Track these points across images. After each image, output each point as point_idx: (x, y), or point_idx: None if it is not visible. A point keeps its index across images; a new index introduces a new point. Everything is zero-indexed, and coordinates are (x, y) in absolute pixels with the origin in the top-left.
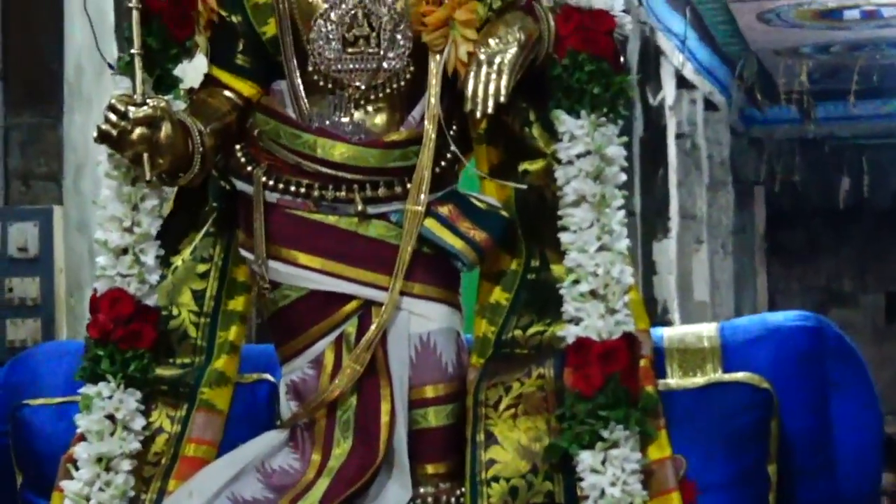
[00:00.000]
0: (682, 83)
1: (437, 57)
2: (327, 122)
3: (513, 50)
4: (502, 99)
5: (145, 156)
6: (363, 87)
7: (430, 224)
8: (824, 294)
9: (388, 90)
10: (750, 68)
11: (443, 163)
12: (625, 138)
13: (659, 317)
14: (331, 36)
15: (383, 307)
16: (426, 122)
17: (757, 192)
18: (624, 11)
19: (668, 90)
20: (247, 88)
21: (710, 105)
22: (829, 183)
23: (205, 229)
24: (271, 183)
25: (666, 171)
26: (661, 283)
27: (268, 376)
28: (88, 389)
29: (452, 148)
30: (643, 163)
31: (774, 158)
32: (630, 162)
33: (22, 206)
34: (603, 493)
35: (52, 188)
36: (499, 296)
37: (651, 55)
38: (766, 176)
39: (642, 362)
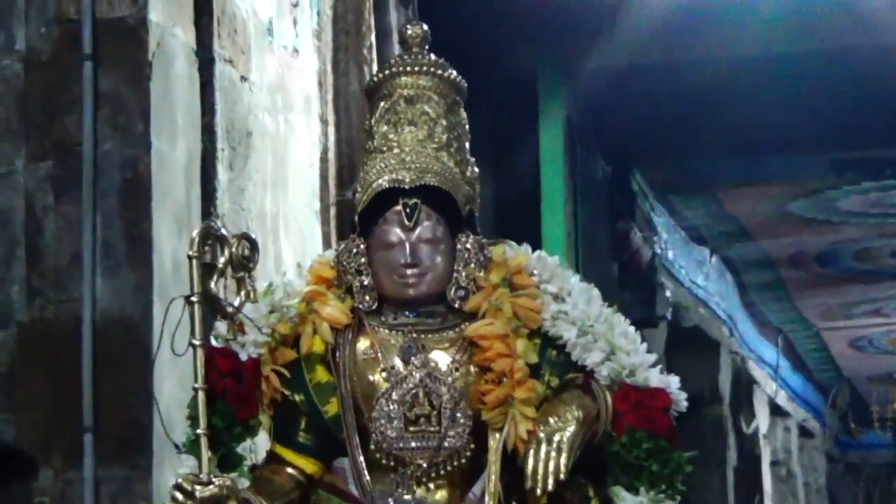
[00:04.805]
0: (776, 411)
1: (497, 434)
2: (390, 500)
3: (571, 428)
4: (562, 477)
5: None
6: (425, 465)
7: None
8: None
9: (448, 467)
10: (843, 395)
11: None
12: None
13: None
14: (392, 415)
15: None
16: (486, 499)
17: None
18: (716, 342)
19: (762, 418)
20: (309, 466)
21: (804, 432)
22: None
23: None
24: None
25: (762, 499)
26: None
27: None
28: None
29: None
30: (737, 492)
31: (871, 484)
32: (724, 491)
33: None
34: None
35: None
36: None
37: (744, 384)
38: (864, 502)
39: None
